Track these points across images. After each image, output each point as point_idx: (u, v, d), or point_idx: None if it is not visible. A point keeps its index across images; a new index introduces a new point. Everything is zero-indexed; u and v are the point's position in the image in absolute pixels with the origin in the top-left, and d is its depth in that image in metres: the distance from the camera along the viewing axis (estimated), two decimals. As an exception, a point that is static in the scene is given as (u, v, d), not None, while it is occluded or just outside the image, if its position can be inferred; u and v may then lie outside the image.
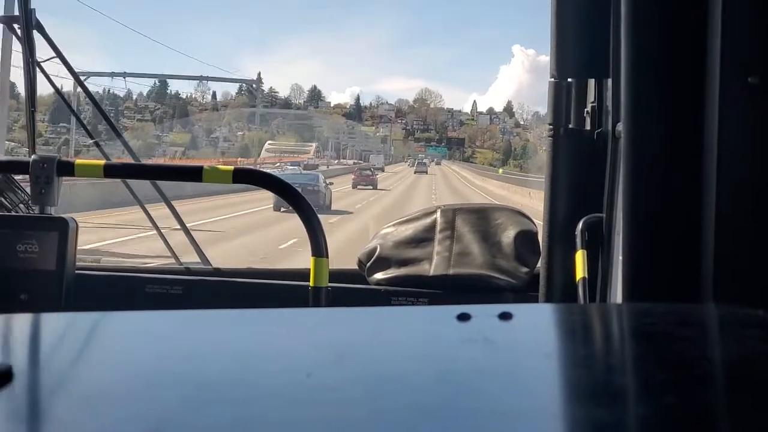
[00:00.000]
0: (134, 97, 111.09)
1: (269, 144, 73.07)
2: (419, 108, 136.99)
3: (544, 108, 2.03)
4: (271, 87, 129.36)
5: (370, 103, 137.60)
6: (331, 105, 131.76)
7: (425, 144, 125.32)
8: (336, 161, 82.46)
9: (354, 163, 75.57)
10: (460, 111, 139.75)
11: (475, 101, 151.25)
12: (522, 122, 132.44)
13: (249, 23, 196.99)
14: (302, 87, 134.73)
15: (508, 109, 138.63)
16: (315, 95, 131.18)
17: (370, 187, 42.18)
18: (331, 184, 29.31)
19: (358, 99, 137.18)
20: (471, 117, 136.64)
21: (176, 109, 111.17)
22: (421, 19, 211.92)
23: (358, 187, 41.83)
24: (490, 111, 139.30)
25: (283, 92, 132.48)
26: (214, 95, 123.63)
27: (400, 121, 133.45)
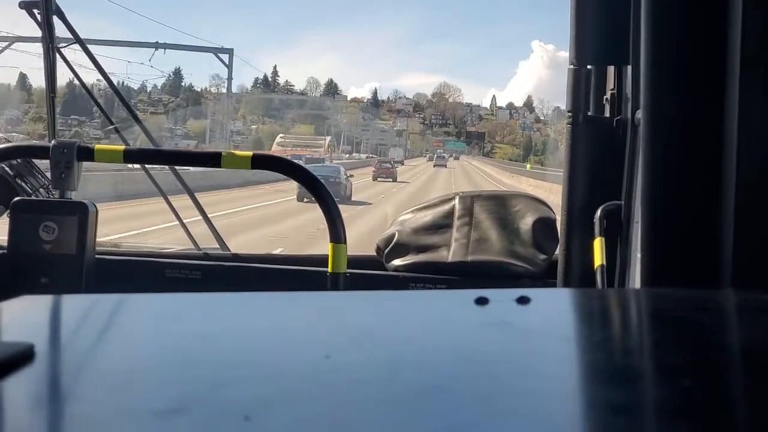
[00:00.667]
0: (149, 89, 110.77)
1: (281, 137, 70.78)
2: (437, 102, 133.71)
3: (564, 103, 2.03)
4: (287, 80, 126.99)
5: (388, 98, 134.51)
6: (348, 99, 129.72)
7: (443, 139, 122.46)
8: (347, 155, 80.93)
9: (367, 157, 75.31)
10: (479, 106, 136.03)
11: (494, 96, 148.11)
12: (542, 117, 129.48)
13: (267, 18, 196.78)
14: (318, 80, 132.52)
15: (528, 104, 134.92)
16: (331, 89, 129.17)
17: (390, 180, 43.03)
18: (352, 176, 29.99)
19: (375, 93, 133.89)
20: (490, 112, 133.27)
21: (189, 102, 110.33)
22: (439, 14, 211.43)
23: (378, 179, 42.57)
24: (510, 106, 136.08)
25: (299, 85, 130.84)
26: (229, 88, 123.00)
27: (417, 115, 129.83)
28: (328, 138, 77.39)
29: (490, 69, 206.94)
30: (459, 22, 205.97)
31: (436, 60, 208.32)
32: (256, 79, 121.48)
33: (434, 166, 76.05)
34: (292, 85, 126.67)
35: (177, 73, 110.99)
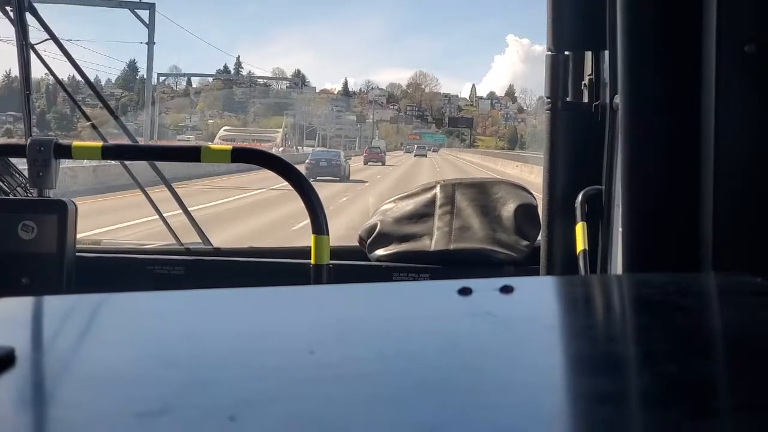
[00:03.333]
0: (102, 83, 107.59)
1: (224, 130, 62.94)
2: (413, 93, 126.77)
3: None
4: (249, 71, 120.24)
5: (360, 89, 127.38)
6: (317, 90, 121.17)
7: (420, 131, 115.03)
8: (280, 149, 77.28)
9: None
10: (457, 96, 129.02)
11: (474, 85, 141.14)
12: (526, 107, 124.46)
13: (242, 14, 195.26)
14: (284, 71, 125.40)
15: (510, 94, 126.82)
16: (299, 80, 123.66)
17: (380, 164, 49.66)
18: (350, 158, 35.50)
19: (345, 83, 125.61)
20: (470, 102, 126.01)
21: (140, 95, 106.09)
22: (414, 10, 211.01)
23: (369, 163, 49.14)
24: (491, 95, 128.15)
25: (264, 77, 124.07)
26: (189, 81, 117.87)
27: (392, 107, 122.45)
28: (282, 129, 72.77)
29: (465, 64, 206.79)
30: (434, 17, 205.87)
31: (411, 55, 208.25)
32: (217, 71, 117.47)
33: (415, 155, 79.93)
34: (255, 76, 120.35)
35: (132, 66, 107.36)
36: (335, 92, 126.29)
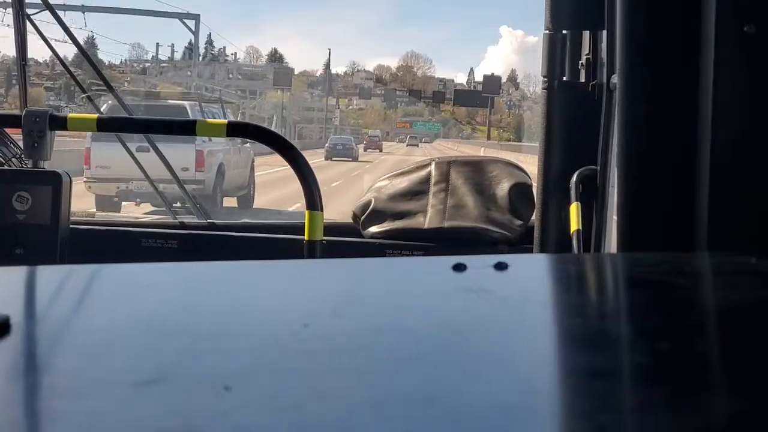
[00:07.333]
0: (56, 61, 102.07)
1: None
2: (404, 76, 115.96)
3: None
4: (219, 49, 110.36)
5: (345, 71, 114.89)
6: (296, 72, 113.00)
7: (410, 119, 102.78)
8: None
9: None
10: (453, 81, 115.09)
11: (472, 69, 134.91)
12: (529, 95, 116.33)
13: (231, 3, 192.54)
14: (260, 50, 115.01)
15: (513, 79, 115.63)
16: (275, 60, 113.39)
17: (378, 150, 58.09)
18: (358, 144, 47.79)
19: (328, 64, 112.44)
20: (467, 88, 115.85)
21: (87, 73, 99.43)
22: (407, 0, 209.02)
23: (368, 150, 56.21)
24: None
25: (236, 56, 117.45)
26: (154, 58, 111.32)
27: (380, 91, 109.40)
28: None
29: (457, 54, 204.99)
30: (428, 7, 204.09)
31: (401, 45, 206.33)
32: (184, 49, 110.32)
33: (407, 146, 78.42)
34: (227, 56, 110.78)
35: (89, 42, 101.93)
36: (316, 74, 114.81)
